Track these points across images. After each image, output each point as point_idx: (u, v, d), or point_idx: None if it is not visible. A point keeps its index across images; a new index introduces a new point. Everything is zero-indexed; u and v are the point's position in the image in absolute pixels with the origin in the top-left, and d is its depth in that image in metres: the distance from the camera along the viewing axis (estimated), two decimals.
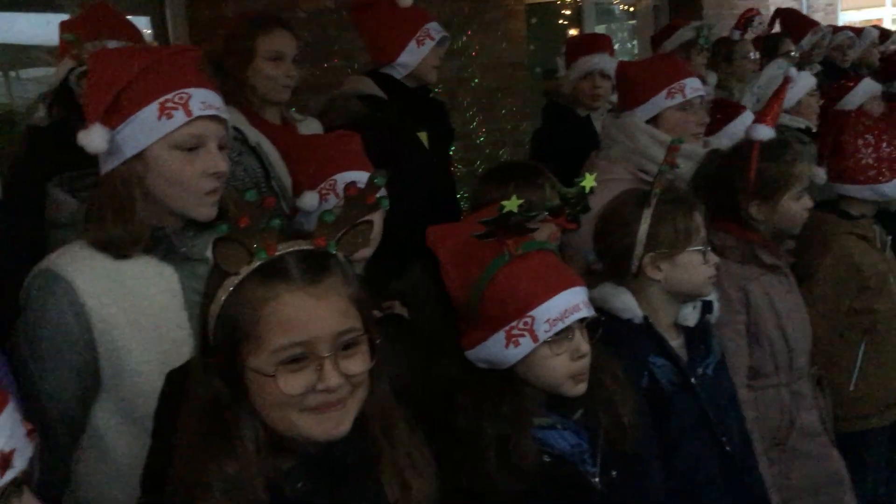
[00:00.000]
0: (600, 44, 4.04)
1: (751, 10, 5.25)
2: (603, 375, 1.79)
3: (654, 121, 2.91)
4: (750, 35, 5.11)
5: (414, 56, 3.14)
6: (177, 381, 1.44)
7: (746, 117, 3.40)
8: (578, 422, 1.79)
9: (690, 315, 2.20)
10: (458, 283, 1.76)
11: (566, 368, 1.70)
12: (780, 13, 5.48)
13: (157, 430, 1.52)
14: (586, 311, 1.71)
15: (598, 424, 1.78)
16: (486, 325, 1.70)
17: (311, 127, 2.99)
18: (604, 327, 2.10)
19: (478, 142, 6.81)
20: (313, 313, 1.21)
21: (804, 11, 18.54)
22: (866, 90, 3.98)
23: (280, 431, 1.24)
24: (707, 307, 2.22)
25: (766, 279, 2.54)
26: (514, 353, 1.68)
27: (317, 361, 1.22)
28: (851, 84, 4.02)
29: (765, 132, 2.60)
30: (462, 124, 6.53)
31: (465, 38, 6.57)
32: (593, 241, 2.25)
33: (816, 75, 5.22)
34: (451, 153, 3.58)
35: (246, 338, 1.22)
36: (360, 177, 2.14)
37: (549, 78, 6.00)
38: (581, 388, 1.73)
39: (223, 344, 1.23)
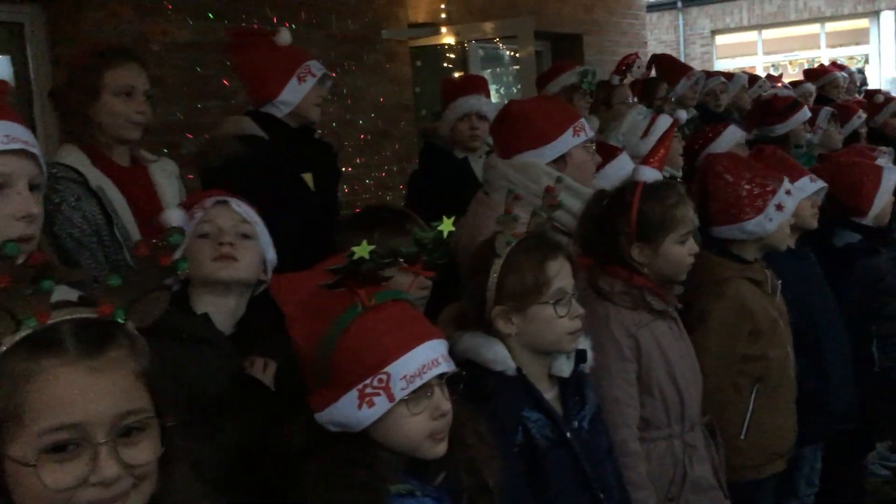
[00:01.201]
0: (476, 85, 3.99)
1: (630, 55, 5.32)
2: (465, 434, 1.65)
3: (559, 160, 2.83)
4: (628, 80, 5.18)
5: (295, 93, 3.01)
6: None
7: (623, 160, 3.39)
8: (440, 487, 1.63)
9: (565, 365, 2.09)
10: (305, 338, 1.58)
11: (425, 428, 1.55)
12: (656, 59, 5.59)
13: None
14: (446, 366, 1.56)
15: (461, 488, 1.64)
16: (338, 384, 1.53)
17: (165, 168, 2.78)
18: (473, 380, 1.98)
19: (364, 183, 6.71)
20: (88, 391, 1.03)
21: (681, 60, 19.45)
22: (731, 137, 4.04)
23: None
24: (580, 356, 2.11)
25: (655, 325, 2.46)
26: (368, 415, 1.52)
27: (90, 449, 1.03)
28: (718, 130, 4.07)
29: (650, 174, 2.55)
30: (347, 166, 6.42)
31: (348, 80, 6.50)
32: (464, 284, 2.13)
33: (692, 119, 5.33)
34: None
35: (5, 420, 1.02)
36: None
37: (434, 120, 5.95)
38: (441, 448, 1.58)
39: None
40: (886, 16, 18.15)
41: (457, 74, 7.41)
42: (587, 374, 2.18)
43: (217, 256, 1.93)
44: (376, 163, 6.74)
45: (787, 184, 2.91)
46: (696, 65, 19.24)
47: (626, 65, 5.21)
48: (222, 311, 1.94)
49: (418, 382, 1.50)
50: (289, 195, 2.90)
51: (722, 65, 19.23)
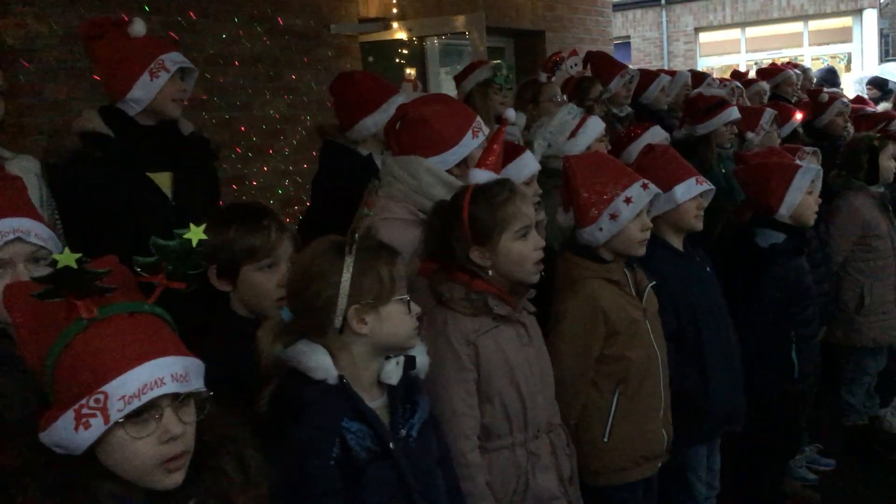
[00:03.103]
0: (389, 85, 3.89)
1: (557, 53, 5.26)
2: (223, 461, 1.56)
3: (462, 162, 2.82)
4: (561, 77, 5.12)
5: (147, 90, 2.88)
6: None
7: (526, 158, 3.33)
8: None
9: (393, 372, 2.03)
10: (34, 351, 1.48)
11: (154, 454, 1.44)
12: (591, 57, 5.53)
13: None
14: (174, 386, 1.43)
15: None
16: (59, 403, 1.44)
17: (22, 165, 2.70)
18: (293, 390, 1.94)
19: (310, 180, 6.64)
20: None
21: (664, 57, 19.41)
22: (653, 137, 3.99)
23: None
24: (409, 362, 2.06)
25: (498, 332, 2.40)
26: (84, 437, 1.40)
27: None
28: (640, 130, 4.02)
29: (481, 176, 2.51)
30: (295, 162, 6.36)
31: (295, 76, 6.44)
32: (287, 297, 2.06)
33: (626, 117, 5.29)
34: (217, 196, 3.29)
35: None
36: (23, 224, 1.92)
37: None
38: (175, 478, 1.47)
39: None
40: (869, 14, 18.11)
41: (411, 71, 7.37)
42: (421, 379, 2.13)
43: None
44: None
45: (631, 190, 2.82)
46: (680, 62, 19.24)
47: (552, 62, 5.14)
48: None
49: (136, 404, 1.40)
50: (132, 196, 2.81)
51: (705, 62, 19.20)
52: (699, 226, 3.29)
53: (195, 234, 1.48)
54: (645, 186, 2.84)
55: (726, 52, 19.49)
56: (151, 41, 3.01)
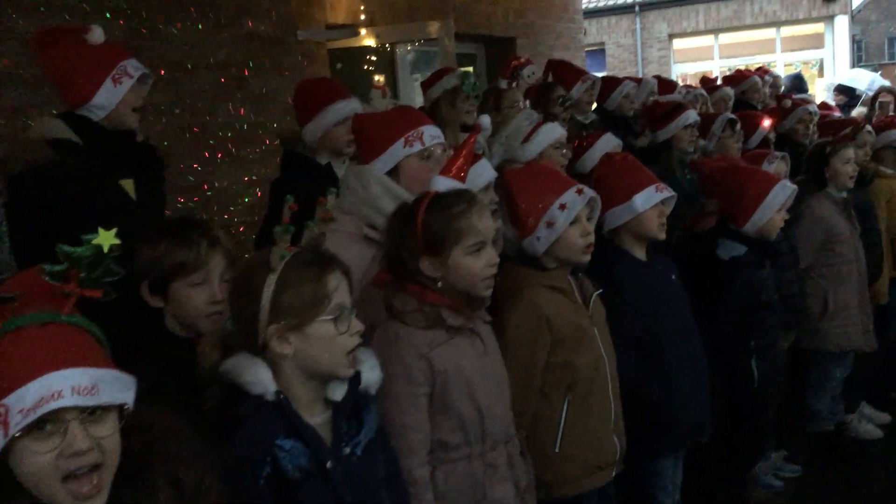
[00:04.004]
0: (346, 89, 3.87)
1: (518, 58, 5.25)
2: (155, 479, 1.49)
3: (394, 171, 2.76)
4: (524, 85, 5.11)
5: (111, 96, 2.86)
6: None
7: (481, 166, 3.29)
8: None
9: (338, 387, 1.98)
10: None
11: (52, 470, 1.38)
12: (552, 64, 5.53)
13: None
14: (73, 399, 1.35)
15: None
16: None
17: None
18: (230, 404, 1.89)
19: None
20: None
21: (639, 64, 19.51)
22: (606, 145, 3.98)
23: None
24: (356, 378, 2.01)
25: (453, 343, 2.34)
26: None
27: None
28: (593, 138, 4.01)
29: (443, 183, 2.46)
30: (262, 169, 6.30)
31: (260, 82, 6.38)
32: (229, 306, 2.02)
33: (591, 124, 5.28)
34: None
35: None
36: None
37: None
38: (86, 499, 1.40)
39: None
40: (840, 20, 18.31)
41: (379, 78, 7.34)
42: (371, 395, 2.08)
43: None
44: None
45: (565, 197, 2.78)
46: (654, 68, 19.34)
47: (513, 68, 5.13)
48: None
49: (32, 417, 1.35)
50: (107, 203, 2.76)
51: (679, 69, 19.33)
52: (662, 235, 3.25)
53: (105, 238, 1.43)
54: (580, 192, 2.79)
55: (700, 58, 19.64)
56: (111, 47, 2.98)
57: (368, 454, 1.99)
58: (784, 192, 3.63)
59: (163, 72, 5.66)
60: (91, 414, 1.40)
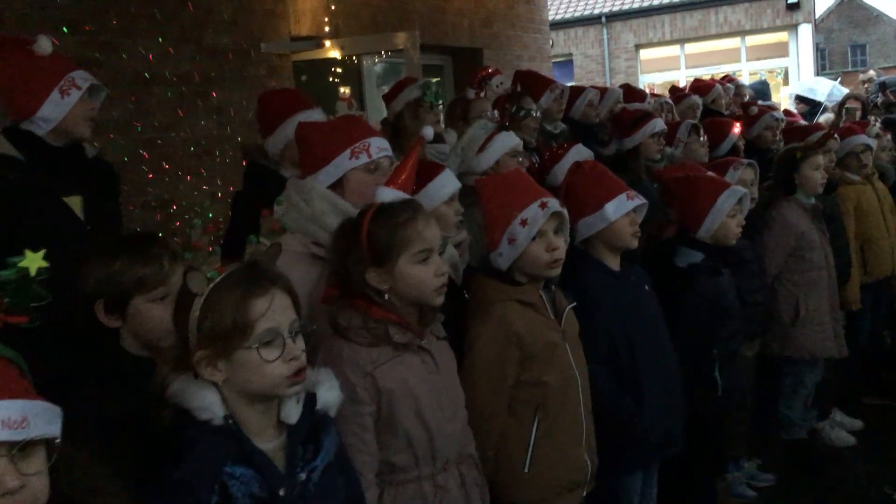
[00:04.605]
0: (309, 100, 3.78)
1: (485, 68, 5.21)
2: None
3: (338, 184, 2.66)
4: (493, 95, 5.06)
5: (58, 109, 2.77)
6: None
7: (445, 177, 3.22)
8: None
9: (293, 410, 1.88)
10: None
11: None
12: (520, 74, 5.49)
13: None
14: (4, 434, 1.27)
15: None
16: None
17: None
18: (177, 430, 1.79)
19: None
20: None
21: (606, 74, 19.61)
22: (576, 155, 3.92)
23: None
24: (311, 399, 1.92)
25: (400, 361, 2.26)
26: None
27: None
28: (564, 149, 3.95)
29: (388, 195, 2.39)
30: (225, 183, 6.18)
31: (224, 95, 6.28)
32: None
33: (560, 133, 5.24)
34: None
35: None
36: None
37: None
38: None
39: None
40: (804, 29, 18.53)
41: (345, 90, 7.26)
42: (331, 417, 1.98)
43: None
44: None
45: (527, 212, 2.71)
46: (622, 79, 19.44)
47: (480, 78, 5.09)
48: None
49: None
50: (49, 222, 2.66)
51: (647, 79, 19.44)
52: (634, 243, 3.19)
53: (31, 260, 1.34)
54: (543, 206, 2.71)
55: (667, 68, 19.78)
56: (59, 59, 2.88)
57: (327, 479, 1.89)
58: (733, 196, 3.60)
59: (124, 86, 5.57)
60: (21, 450, 1.30)
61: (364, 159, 2.66)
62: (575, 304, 2.85)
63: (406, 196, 2.48)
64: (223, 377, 1.78)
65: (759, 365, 4.60)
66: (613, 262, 3.19)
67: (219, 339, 1.76)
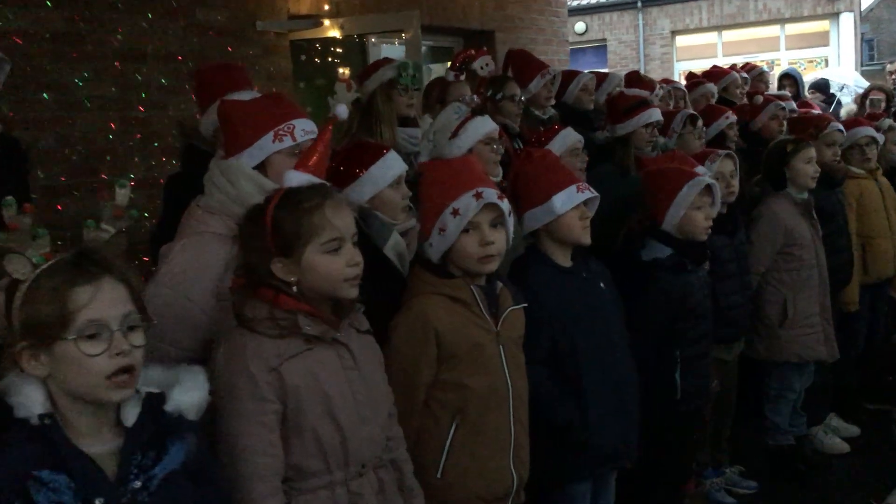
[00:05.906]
0: (246, 77, 3.55)
1: (467, 50, 5.00)
2: None
3: (261, 167, 2.50)
4: (477, 78, 4.86)
5: None
6: None
7: (390, 158, 3.05)
8: None
9: (131, 410, 1.74)
10: None
11: None
12: (511, 56, 5.25)
13: None
14: None
15: None
16: None
17: None
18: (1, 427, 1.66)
19: None
20: None
21: (641, 60, 19.19)
22: (564, 140, 3.73)
23: None
24: (158, 399, 1.77)
25: (311, 355, 2.09)
26: None
27: None
28: (552, 133, 3.76)
29: (297, 178, 2.21)
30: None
31: None
32: None
33: (549, 118, 5.02)
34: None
35: None
36: None
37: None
38: None
39: None
40: (846, 18, 17.93)
41: (345, 70, 7.09)
42: (188, 420, 1.81)
43: None
44: None
45: (459, 202, 2.53)
46: (656, 65, 19.03)
47: (461, 60, 4.89)
48: None
49: None
50: None
51: (682, 66, 18.98)
52: (586, 239, 2.99)
53: None
54: (478, 196, 2.54)
55: (703, 55, 19.24)
56: None
57: (167, 490, 1.72)
58: (696, 186, 3.38)
59: (117, 63, 5.48)
60: None
61: (288, 142, 2.50)
62: (525, 304, 2.67)
63: (316, 180, 2.32)
64: (46, 372, 1.65)
65: (743, 367, 4.38)
66: (562, 258, 3.00)
67: (37, 330, 1.63)
